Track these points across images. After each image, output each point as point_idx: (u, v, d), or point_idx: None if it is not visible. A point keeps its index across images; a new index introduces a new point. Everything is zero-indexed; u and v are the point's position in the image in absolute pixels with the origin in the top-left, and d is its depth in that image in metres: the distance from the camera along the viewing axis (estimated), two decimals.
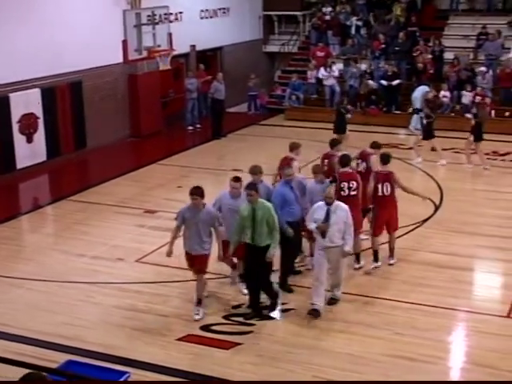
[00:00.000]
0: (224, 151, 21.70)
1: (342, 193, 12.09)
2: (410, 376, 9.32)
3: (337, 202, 10.99)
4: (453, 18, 28.15)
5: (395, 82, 24.48)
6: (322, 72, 25.55)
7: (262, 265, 10.80)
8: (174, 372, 9.52)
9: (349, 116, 20.56)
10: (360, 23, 27.76)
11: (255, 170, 11.81)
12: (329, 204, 10.89)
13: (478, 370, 9.55)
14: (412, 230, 14.50)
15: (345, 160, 12.52)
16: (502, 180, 18.24)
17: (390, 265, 12.83)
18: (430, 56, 25.27)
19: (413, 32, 26.68)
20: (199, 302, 11.03)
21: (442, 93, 23.63)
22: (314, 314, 10.87)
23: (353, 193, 12.21)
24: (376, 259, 12.70)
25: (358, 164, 13.62)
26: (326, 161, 13.79)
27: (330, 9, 28.63)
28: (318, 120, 24.10)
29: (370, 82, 22.54)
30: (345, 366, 9.64)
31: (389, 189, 12.47)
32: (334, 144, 14.14)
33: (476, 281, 12.81)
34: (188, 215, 10.80)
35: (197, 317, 10.90)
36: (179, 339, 10.41)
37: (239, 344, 10.21)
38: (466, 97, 23.17)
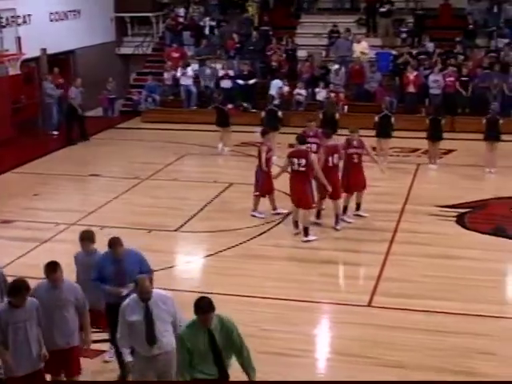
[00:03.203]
0: (82, 156, 21.18)
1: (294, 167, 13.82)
2: (283, 370, 9.40)
3: (156, 294, 7.96)
4: (304, 16, 28.74)
5: (251, 81, 24.70)
6: (178, 73, 25.46)
7: None
8: None
9: (230, 106, 21.26)
10: (213, 23, 27.84)
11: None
12: (145, 300, 7.92)
13: (343, 360, 9.78)
14: (272, 227, 14.68)
15: (301, 139, 14.13)
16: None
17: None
18: (283, 54, 25.68)
19: (266, 31, 27.04)
20: None
21: (297, 90, 24.04)
22: None
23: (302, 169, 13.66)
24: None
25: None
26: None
27: (182, 9, 28.59)
28: (175, 121, 24.07)
29: None
30: None
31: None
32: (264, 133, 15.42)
33: (337, 273, 13.09)
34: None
35: None
36: None
37: (104, 351, 9.97)
38: (320, 93, 23.70)
